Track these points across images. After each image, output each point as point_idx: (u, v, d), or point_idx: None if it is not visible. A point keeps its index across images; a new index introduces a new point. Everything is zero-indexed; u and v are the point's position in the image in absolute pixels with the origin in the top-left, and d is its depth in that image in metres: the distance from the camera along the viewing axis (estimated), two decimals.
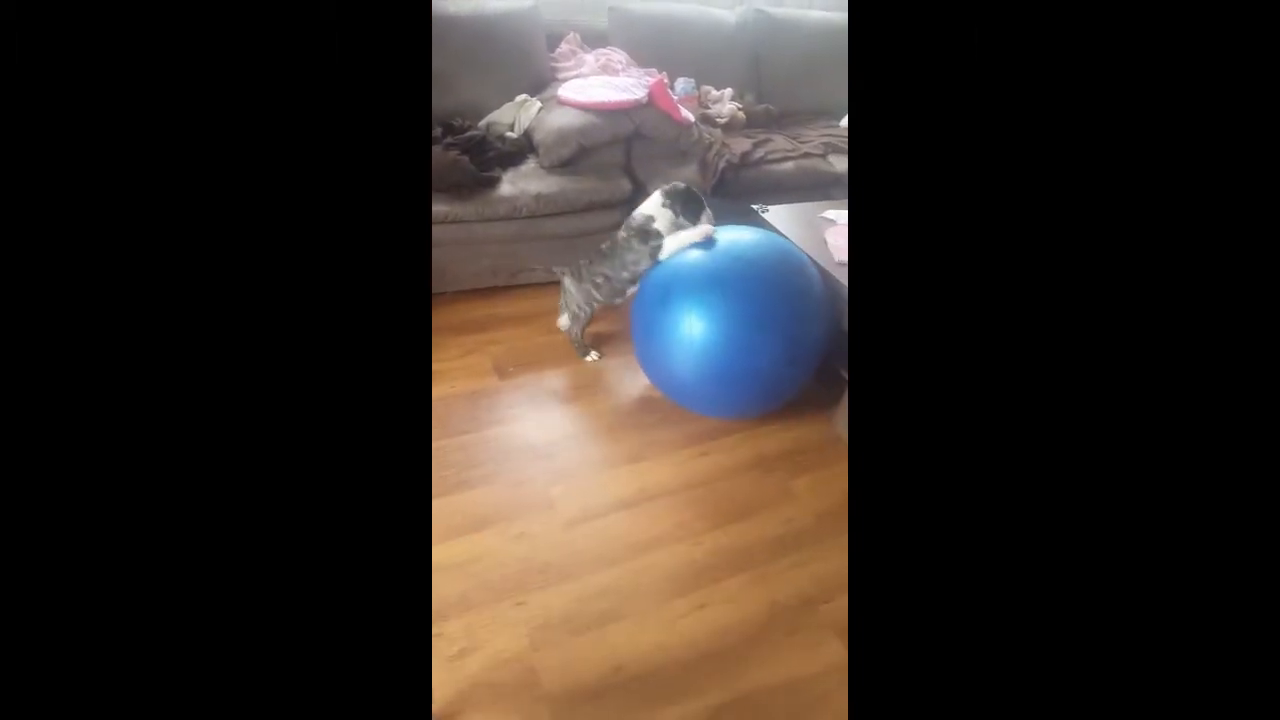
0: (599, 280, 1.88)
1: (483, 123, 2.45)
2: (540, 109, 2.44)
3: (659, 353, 1.69)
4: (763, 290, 1.62)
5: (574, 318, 1.96)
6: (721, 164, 2.43)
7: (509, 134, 2.39)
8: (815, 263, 1.77)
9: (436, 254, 2.13)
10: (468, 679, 1.22)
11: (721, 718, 1.19)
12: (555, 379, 1.99)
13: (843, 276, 1.76)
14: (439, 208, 2.06)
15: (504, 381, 1.96)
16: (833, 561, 1.51)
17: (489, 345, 2.10)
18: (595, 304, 1.93)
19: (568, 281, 1.93)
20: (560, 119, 2.29)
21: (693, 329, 1.60)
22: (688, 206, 1.79)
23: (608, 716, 1.18)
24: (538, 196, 2.17)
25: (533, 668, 1.24)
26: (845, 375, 1.81)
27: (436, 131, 2.28)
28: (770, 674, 1.27)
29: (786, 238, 1.89)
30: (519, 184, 2.18)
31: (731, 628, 1.35)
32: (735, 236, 1.73)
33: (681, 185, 1.83)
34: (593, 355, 2.03)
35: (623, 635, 1.32)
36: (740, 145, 2.55)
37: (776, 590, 1.44)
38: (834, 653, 1.32)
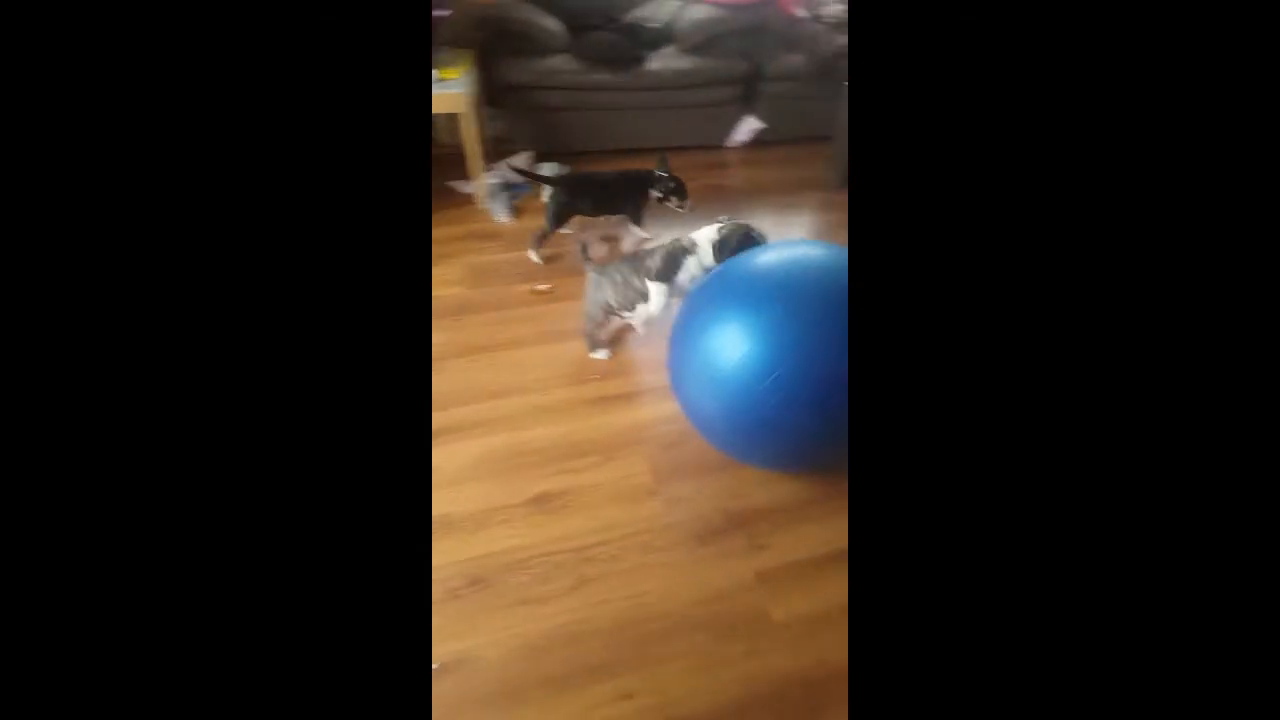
0: (617, 279, 1.73)
1: (632, 15, 3.01)
2: (680, 5, 2.97)
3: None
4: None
5: (589, 316, 1.80)
6: (825, 53, 2.90)
7: (653, 24, 2.94)
8: None
9: (596, 118, 2.76)
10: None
11: None
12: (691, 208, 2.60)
13: None
14: (601, 77, 2.67)
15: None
16: None
17: None
18: (608, 311, 1.78)
19: (592, 277, 1.76)
20: (697, 13, 2.82)
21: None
22: (737, 249, 1.62)
23: None
24: (678, 72, 2.74)
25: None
26: None
27: (599, 20, 2.86)
28: None
29: None
30: (664, 62, 2.76)
31: None
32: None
33: (741, 228, 1.68)
34: (602, 353, 1.87)
35: None
36: (841, 39, 3.00)
37: None
38: None
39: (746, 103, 3.00)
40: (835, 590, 1.32)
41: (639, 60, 2.75)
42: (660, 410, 1.71)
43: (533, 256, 2.24)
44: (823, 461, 1.42)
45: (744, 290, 1.30)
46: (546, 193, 2.20)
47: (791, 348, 1.21)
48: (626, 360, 1.88)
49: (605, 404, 1.73)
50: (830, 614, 1.28)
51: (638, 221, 2.31)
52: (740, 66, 2.84)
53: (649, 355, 1.89)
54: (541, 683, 1.15)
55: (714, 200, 2.68)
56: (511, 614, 1.25)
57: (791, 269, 1.30)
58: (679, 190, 2.26)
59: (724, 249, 1.66)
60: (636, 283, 1.72)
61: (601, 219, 2.35)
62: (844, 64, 2.93)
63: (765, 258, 1.35)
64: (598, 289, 1.75)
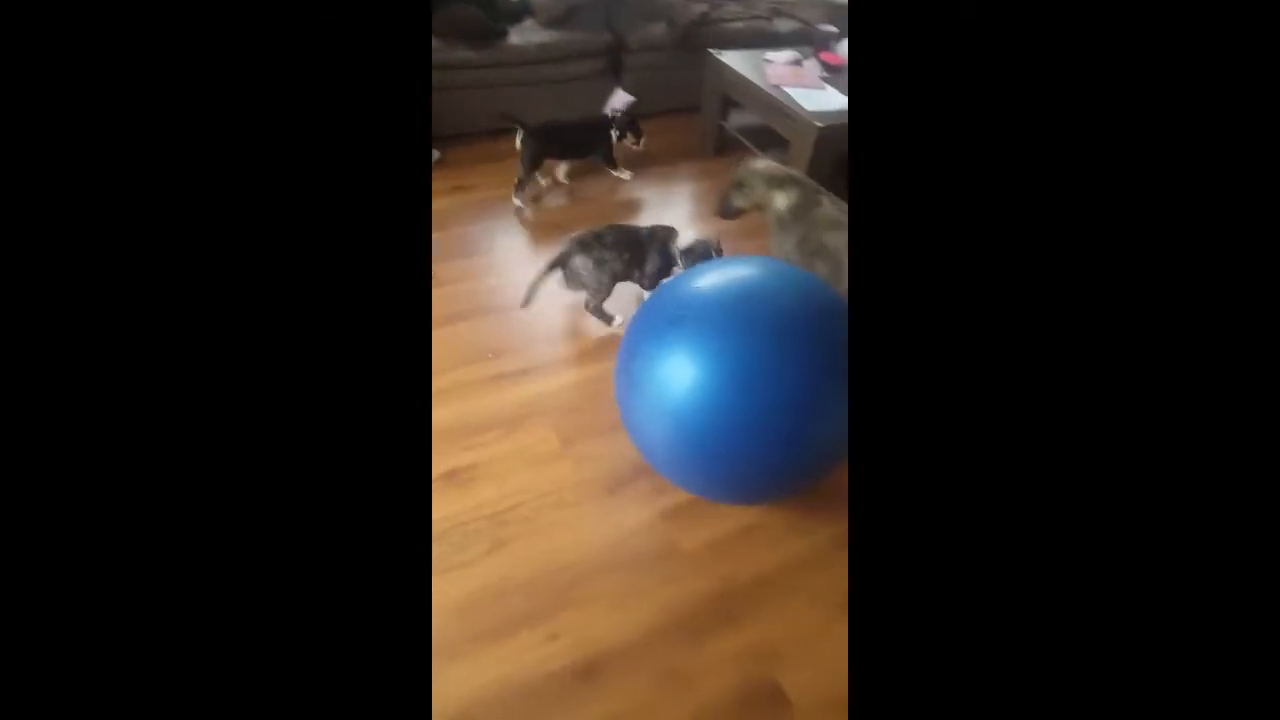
0: (619, 269, 1.86)
1: None
2: None
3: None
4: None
5: (594, 294, 1.88)
6: (684, 22, 3.00)
7: None
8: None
9: (460, 98, 2.71)
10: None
11: None
12: (563, 185, 2.64)
13: (777, 94, 2.41)
14: (463, 54, 2.63)
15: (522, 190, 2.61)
16: None
17: (514, 166, 2.72)
18: (615, 281, 1.89)
19: (578, 261, 1.81)
20: None
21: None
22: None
23: None
24: (541, 45, 2.74)
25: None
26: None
27: None
28: None
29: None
30: (524, 36, 2.75)
31: None
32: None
33: (699, 244, 1.86)
34: (618, 319, 1.94)
35: None
36: (700, 8, 3.11)
37: None
38: None
39: (614, 75, 3.05)
40: (734, 516, 1.45)
41: (500, 34, 2.72)
42: (560, 380, 1.77)
43: (516, 202, 2.47)
44: (778, 492, 1.33)
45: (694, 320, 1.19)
46: (520, 142, 2.38)
47: (745, 377, 1.13)
48: (520, 337, 1.91)
49: (504, 381, 1.76)
50: (732, 537, 1.41)
51: (611, 163, 2.65)
52: (602, 38, 2.88)
53: (543, 330, 1.94)
54: (470, 640, 1.20)
55: (599, 175, 2.74)
56: (433, 584, 1.28)
57: (739, 292, 1.21)
58: (634, 128, 2.59)
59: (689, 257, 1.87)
60: (633, 271, 1.88)
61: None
62: (703, 32, 3.04)
63: (712, 281, 1.24)
64: (596, 270, 1.82)
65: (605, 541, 1.38)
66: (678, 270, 1.87)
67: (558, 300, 2.03)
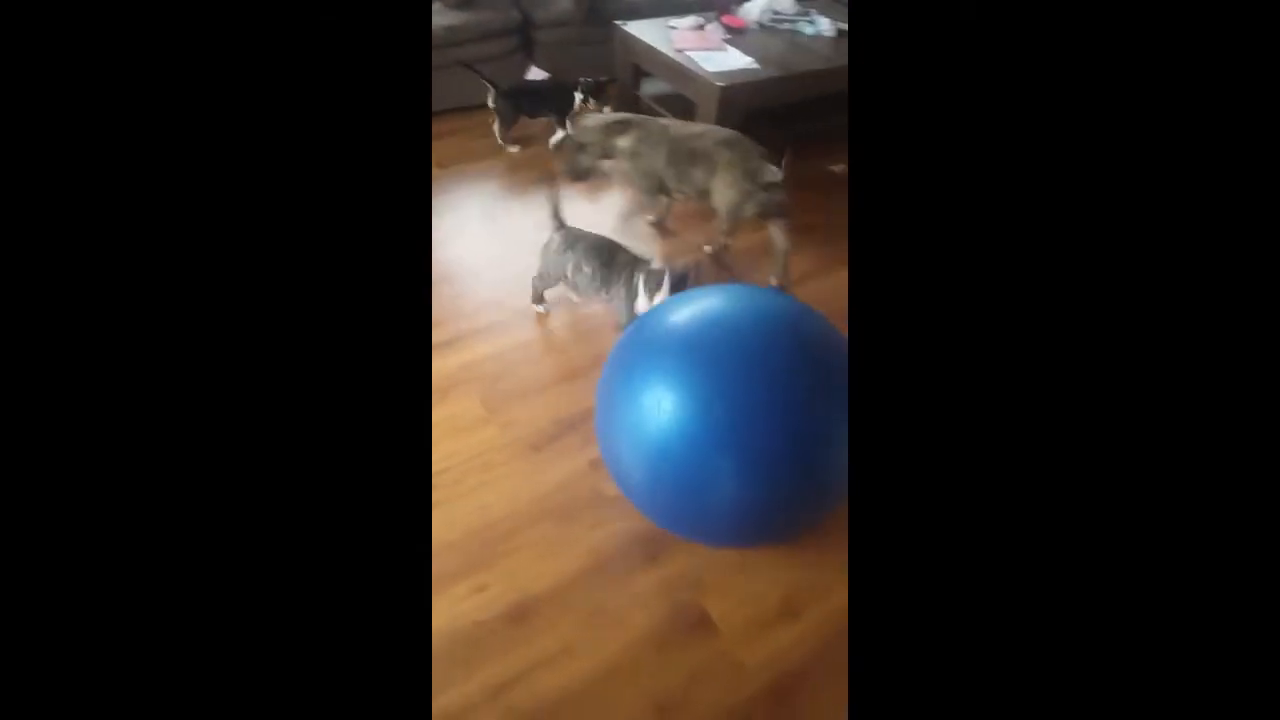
0: (586, 271, 1.70)
1: None
2: None
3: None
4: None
5: (541, 277, 1.83)
6: None
7: None
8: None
9: None
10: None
11: None
12: (484, 166, 2.64)
13: (681, 59, 2.45)
14: None
15: (443, 170, 2.60)
16: None
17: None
18: (561, 283, 1.80)
19: (556, 240, 1.75)
20: None
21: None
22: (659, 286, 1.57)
23: None
24: (448, 28, 2.72)
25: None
26: None
27: None
28: None
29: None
30: (431, 20, 2.72)
31: None
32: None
33: (660, 269, 1.57)
34: (542, 307, 1.94)
35: None
36: None
37: None
38: None
39: (526, 53, 3.05)
40: None
41: None
42: (481, 351, 1.80)
43: (510, 148, 2.75)
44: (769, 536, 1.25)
45: (674, 355, 1.12)
46: (491, 100, 2.63)
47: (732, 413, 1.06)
48: (443, 311, 1.93)
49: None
50: None
51: (563, 124, 2.73)
52: (510, 16, 2.87)
53: (464, 304, 1.96)
54: None
55: (522, 147, 2.74)
56: None
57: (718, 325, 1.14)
58: (599, 92, 2.72)
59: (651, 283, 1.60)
60: (600, 288, 1.69)
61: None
62: (609, 5, 3.06)
63: (690, 314, 1.17)
64: (561, 256, 1.73)
65: (532, 496, 1.42)
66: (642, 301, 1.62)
67: (477, 274, 2.05)
